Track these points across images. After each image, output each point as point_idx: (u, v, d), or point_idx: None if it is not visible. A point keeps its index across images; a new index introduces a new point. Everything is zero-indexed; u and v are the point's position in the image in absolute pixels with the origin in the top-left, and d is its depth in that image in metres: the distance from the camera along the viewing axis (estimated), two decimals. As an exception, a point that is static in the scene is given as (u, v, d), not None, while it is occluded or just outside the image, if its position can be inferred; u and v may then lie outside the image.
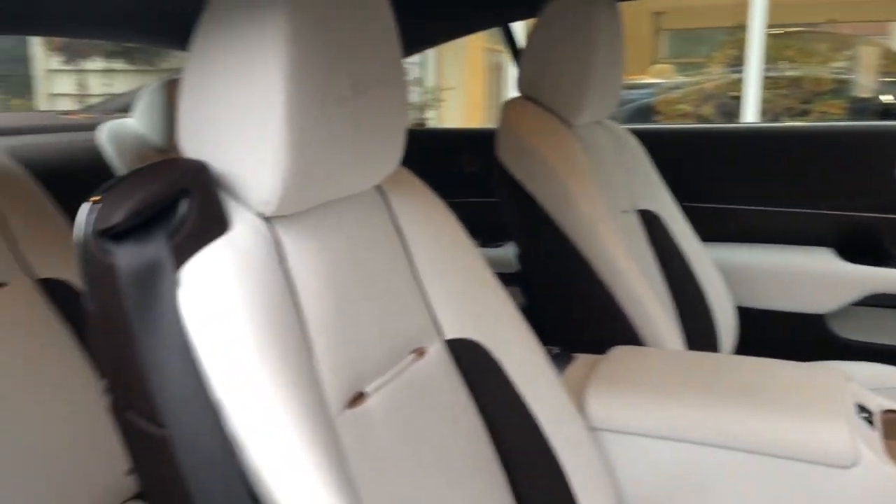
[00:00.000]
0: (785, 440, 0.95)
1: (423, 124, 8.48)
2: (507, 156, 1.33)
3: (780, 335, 1.72)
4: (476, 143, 2.03)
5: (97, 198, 0.64)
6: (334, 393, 0.72)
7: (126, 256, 0.62)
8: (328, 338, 0.73)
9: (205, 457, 0.61)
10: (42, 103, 5.83)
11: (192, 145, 0.71)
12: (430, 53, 7.98)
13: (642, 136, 1.65)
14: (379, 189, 0.88)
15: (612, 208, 1.45)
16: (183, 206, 0.65)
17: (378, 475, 0.74)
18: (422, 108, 8.30)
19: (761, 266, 1.71)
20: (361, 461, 0.73)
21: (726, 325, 1.58)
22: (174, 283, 0.63)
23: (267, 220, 0.71)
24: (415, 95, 8.51)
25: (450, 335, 0.90)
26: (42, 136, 1.73)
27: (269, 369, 0.61)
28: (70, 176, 1.06)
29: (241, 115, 0.67)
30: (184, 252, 0.64)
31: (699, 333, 1.54)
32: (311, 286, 0.73)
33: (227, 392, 0.60)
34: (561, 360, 1.20)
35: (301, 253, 0.73)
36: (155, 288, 0.62)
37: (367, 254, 0.82)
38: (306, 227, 0.75)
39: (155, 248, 0.63)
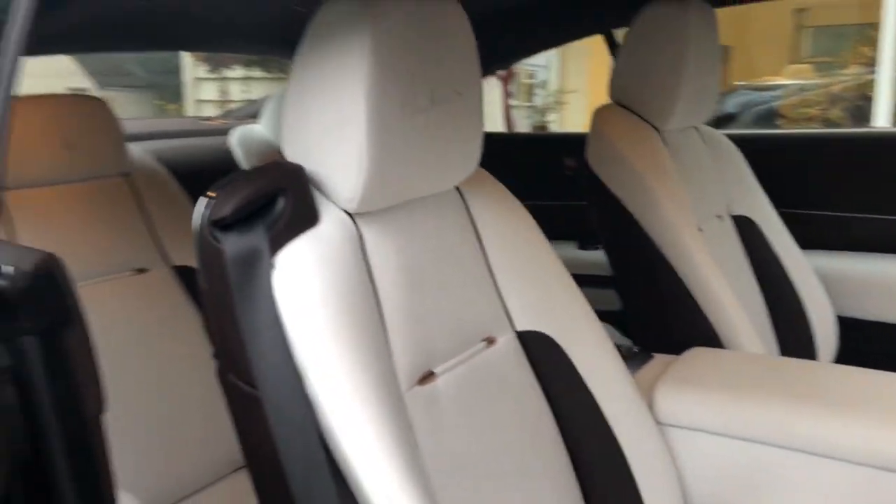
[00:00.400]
0: (849, 444, 0.95)
1: (544, 127, 8.46)
2: (596, 161, 1.38)
3: (886, 347, 1.66)
4: (577, 147, 2.07)
5: (212, 194, 0.76)
6: (405, 370, 0.81)
7: (232, 244, 0.74)
8: (402, 321, 0.82)
9: (289, 416, 0.71)
10: (190, 107, 6.40)
11: (292, 149, 0.82)
12: (554, 57, 7.98)
13: (743, 142, 1.64)
14: (458, 190, 0.97)
15: (704, 213, 1.46)
16: (280, 203, 0.76)
17: (443, 447, 0.83)
18: (543, 111, 8.32)
19: (867, 275, 1.66)
20: (428, 433, 0.81)
21: (824, 334, 1.55)
22: (270, 267, 0.74)
23: (352, 215, 0.81)
24: (538, 98, 8.54)
25: (521, 327, 0.97)
26: (183, 139, 1.95)
27: (339, 346, 0.71)
28: (204, 175, 1.21)
29: (330, 124, 0.77)
30: (279, 241, 0.75)
31: (795, 341, 1.53)
32: (388, 275, 0.82)
33: (307, 363, 0.71)
34: (639, 358, 1.24)
35: (380, 245, 0.83)
36: (254, 271, 0.74)
37: (444, 248, 0.91)
38: (387, 223, 0.85)
39: (255, 237, 0.75)
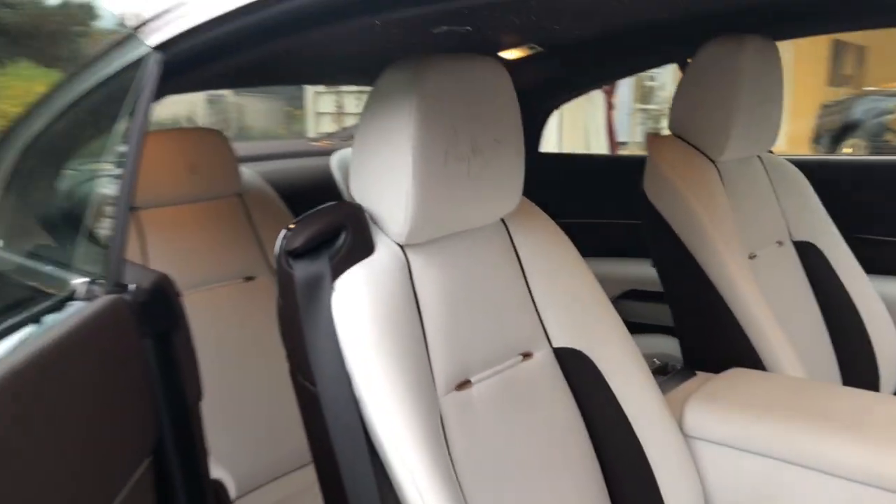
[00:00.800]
0: (875, 469, 1.01)
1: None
2: (650, 187, 1.47)
3: None
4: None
5: (292, 226, 0.94)
6: (443, 378, 0.96)
7: (301, 270, 0.91)
8: (442, 336, 0.97)
9: (340, 412, 0.88)
10: (310, 118, 6.87)
11: (355, 188, 0.99)
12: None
13: (810, 167, 1.67)
14: (503, 221, 1.10)
15: (760, 240, 1.52)
16: (342, 237, 0.93)
17: (477, 448, 0.96)
18: (657, 117, 8.20)
19: None
20: (462, 434, 0.95)
21: (889, 361, 1.56)
22: (330, 290, 0.91)
23: (402, 247, 0.97)
24: (655, 103, 8.43)
25: (557, 344, 1.09)
26: (291, 160, 2.19)
27: (381, 356, 0.87)
28: (306, 195, 1.39)
29: (384, 171, 0.94)
30: (339, 269, 0.92)
31: (857, 367, 1.55)
32: (431, 297, 0.98)
33: (354, 369, 0.87)
34: (682, 375, 1.33)
35: (425, 272, 0.98)
36: (317, 293, 0.91)
37: (485, 273, 1.05)
38: (432, 253, 1.00)
39: (320, 265, 0.92)
